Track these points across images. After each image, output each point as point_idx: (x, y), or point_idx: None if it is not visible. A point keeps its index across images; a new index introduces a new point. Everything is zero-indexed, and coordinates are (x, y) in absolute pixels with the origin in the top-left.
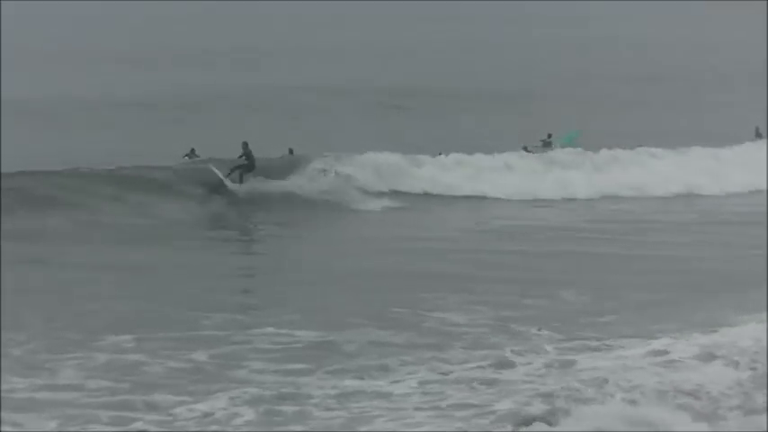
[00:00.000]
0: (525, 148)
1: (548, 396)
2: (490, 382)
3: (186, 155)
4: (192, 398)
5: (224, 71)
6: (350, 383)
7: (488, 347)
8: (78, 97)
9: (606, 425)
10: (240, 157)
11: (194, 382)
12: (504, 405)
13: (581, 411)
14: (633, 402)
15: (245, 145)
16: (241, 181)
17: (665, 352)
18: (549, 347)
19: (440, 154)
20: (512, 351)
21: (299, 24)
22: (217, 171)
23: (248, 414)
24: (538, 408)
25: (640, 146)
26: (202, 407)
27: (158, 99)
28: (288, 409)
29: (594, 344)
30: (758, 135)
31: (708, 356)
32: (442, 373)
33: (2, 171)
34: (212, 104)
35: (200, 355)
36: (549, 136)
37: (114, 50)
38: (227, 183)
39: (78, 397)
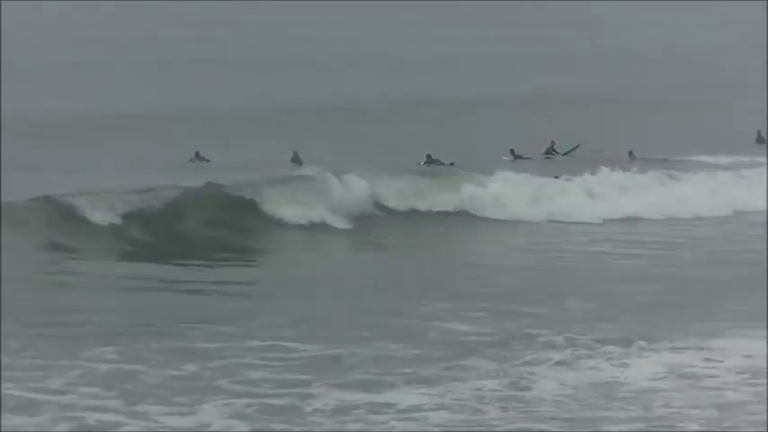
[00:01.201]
0: (512, 152)
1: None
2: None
3: (191, 159)
4: (184, 408)
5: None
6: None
7: None
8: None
9: None
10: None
11: (186, 392)
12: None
13: None
14: None
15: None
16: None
17: None
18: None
19: (451, 164)
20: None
21: (301, 33)
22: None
23: (241, 426)
24: None
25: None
26: (194, 418)
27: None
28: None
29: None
30: (760, 140)
31: None
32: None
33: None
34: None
35: (193, 366)
36: (553, 144)
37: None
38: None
39: (66, 400)
